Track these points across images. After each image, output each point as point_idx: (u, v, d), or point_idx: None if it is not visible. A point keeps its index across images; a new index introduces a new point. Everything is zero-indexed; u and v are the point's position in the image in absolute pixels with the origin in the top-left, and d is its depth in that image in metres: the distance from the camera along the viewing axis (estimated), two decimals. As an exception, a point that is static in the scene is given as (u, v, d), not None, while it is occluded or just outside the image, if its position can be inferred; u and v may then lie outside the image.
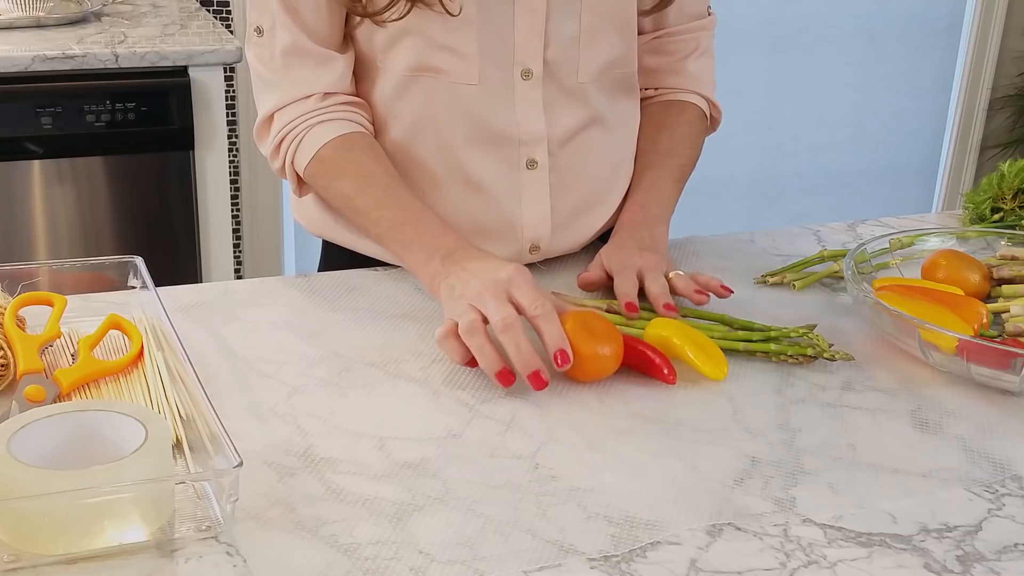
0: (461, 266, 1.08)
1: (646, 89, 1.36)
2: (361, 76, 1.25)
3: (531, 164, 1.23)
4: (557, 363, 1.01)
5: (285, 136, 1.21)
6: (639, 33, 1.33)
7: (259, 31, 1.21)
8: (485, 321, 1.02)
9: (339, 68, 1.21)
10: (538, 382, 1.00)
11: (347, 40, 1.23)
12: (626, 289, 1.16)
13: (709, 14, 1.37)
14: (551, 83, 1.22)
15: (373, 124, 1.25)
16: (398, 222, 1.16)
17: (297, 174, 1.23)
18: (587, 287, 1.22)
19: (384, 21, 1.15)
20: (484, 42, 1.18)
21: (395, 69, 1.21)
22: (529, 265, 1.29)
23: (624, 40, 1.26)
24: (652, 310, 1.15)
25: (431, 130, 1.22)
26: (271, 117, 1.22)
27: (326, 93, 1.21)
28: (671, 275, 1.18)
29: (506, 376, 1.01)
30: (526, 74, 1.20)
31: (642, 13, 1.29)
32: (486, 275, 1.05)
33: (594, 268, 1.22)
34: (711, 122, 1.39)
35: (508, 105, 1.21)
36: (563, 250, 1.30)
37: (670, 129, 1.34)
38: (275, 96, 1.21)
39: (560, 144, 1.25)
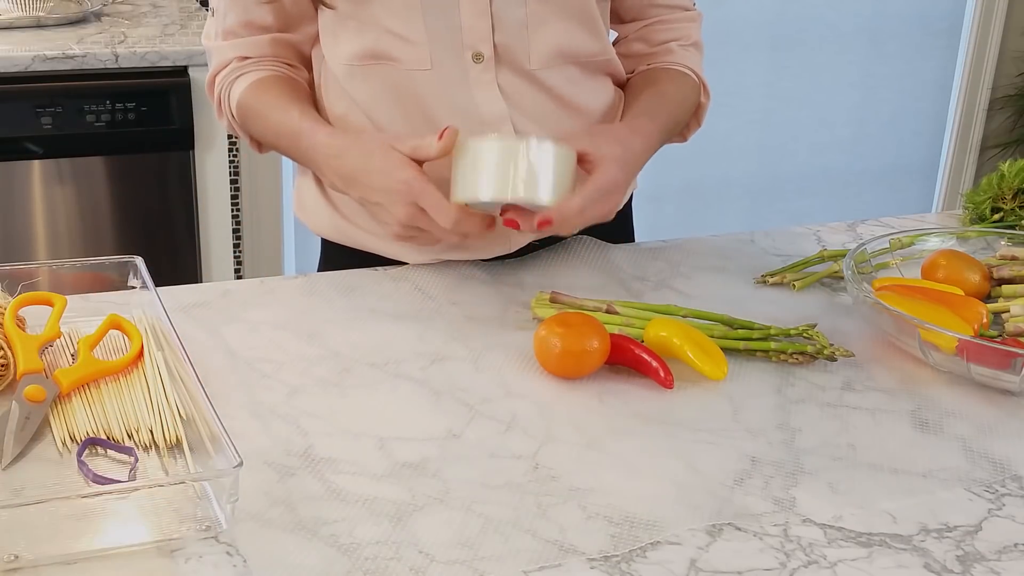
0: (351, 176, 1.16)
1: (637, 68, 1.35)
2: (321, 74, 1.29)
3: None
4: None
5: (219, 96, 1.29)
6: (624, 21, 1.34)
7: (212, 12, 1.29)
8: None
9: (272, 42, 1.27)
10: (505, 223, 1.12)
11: (291, 23, 1.27)
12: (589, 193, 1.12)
13: (695, 9, 1.37)
14: (504, 67, 1.22)
15: (323, 106, 1.30)
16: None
17: (244, 131, 1.30)
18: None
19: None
20: (431, 27, 1.19)
21: (340, 57, 1.23)
22: (528, 256, 1.29)
23: (580, 27, 1.25)
24: (653, 311, 1.16)
25: (395, 118, 1.24)
26: (212, 83, 1.30)
27: (252, 57, 1.27)
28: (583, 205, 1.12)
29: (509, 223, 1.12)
30: (477, 57, 1.21)
31: None
32: (388, 196, 1.13)
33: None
34: (698, 108, 1.36)
35: (464, 89, 1.22)
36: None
37: (673, 84, 1.33)
38: (212, 63, 1.30)
39: (526, 127, 1.25)
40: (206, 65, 2.18)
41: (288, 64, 1.29)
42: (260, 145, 1.30)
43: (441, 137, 1.09)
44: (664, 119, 1.28)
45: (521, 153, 1.08)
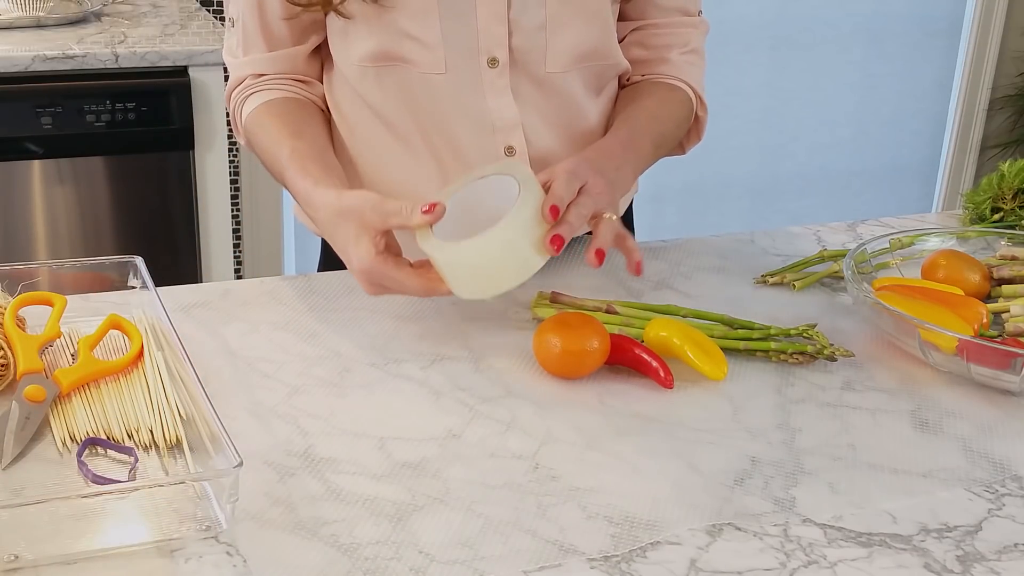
0: (320, 226, 1.14)
1: (632, 76, 1.34)
2: (327, 71, 1.30)
3: (509, 151, 1.24)
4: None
5: (233, 113, 1.30)
6: (622, 19, 1.32)
7: (231, 22, 1.29)
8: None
9: (287, 57, 1.26)
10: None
11: (307, 32, 1.26)
12: (561, 193, 1.04)
13: (699, 16, 1.36)
14: (519, 72, 1.22)
15: (329, 104, 1.30)
16: (305, 154, 1.19)
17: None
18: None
19: (328, 8, 1.20)
20: (447, 31, 1.19)
21: (353, 59, 1.23)
22: None
23: (596, 29, 1.25)
24: (653, 311, 1.16)
25: (406, 120, 1.24)
26: (228, 99, 1.30)
27: (267, 75, 1.27)
28: (604, 215, 1.08)
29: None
30: (492, 62, 1.21)
31: None
32: (348, 262, 1.10)
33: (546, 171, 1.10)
34: (696, 121, 1.35)
35: (478, 94, 1.22)
36: None
37: (657, 99, 1.31)
38: (230, 79, 1.30)
39: (537, 133, 1.25)
40: (206, 65, 2.21)
41: (302, 81, 1.28)
42: None
43: (426, 211, 1.03)
44: (633, 136, 1.24)
45: (501, 240, 1.01)
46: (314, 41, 1.27)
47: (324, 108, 1.30)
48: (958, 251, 1.27)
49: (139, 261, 1.12)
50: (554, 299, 1.18)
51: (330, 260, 1.37)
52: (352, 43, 1.22)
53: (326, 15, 1.23)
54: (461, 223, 1.05)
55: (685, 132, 1.34)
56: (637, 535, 0.85)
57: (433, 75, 1.21)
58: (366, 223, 1.07)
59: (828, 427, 1.00)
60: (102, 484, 0.86)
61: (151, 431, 0.93)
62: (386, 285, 1.08)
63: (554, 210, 1.03)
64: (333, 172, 1.18)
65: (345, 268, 1.29)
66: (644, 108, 1.29)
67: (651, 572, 0.81)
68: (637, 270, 1.10)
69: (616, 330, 1.11)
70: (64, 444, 0.92)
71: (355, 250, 1.08)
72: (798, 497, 0.90)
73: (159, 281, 1.11)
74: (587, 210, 1.06)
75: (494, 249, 1.02)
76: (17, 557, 0.78)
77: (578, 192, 1.06)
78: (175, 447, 0.92)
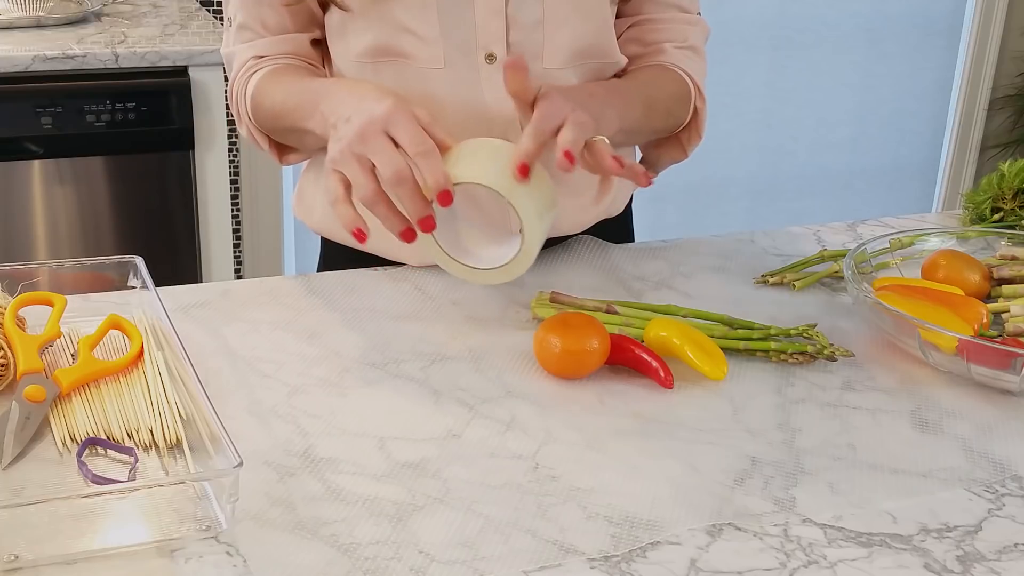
0: (338, 99, 1.08)
1: (628, 69, 1.34)
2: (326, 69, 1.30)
3: None
4: (440, 204, 1.00)
5: (236, 97, 1.28)
6: (619, 16, 1.32)
7: (230, 21, 1.29)
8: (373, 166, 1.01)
9: (290, 40, 1.26)
10: (428, 224, 1.01)
11: (307, 26, 1.27)
12: (527, 145, 1.03)
13: (698, 16, 1.36)
14: None
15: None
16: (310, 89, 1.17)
17: (260, 132, 1.28)
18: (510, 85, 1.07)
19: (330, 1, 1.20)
20: (445, 25, 1.19)
21: (351, 54, 1.23)
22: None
23: (594, 26, 1.25)
24: (653, 311, 1.16)
25: None
26: (232, 91, 1.29)
27: (269, 55, 1.27)
28: (596, 139, 1.06)
29: (409, 234, 1.02)
30: (490, 58, 1.21)
31: None
32: (362, 113, 1.03)
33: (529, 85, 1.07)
34: (695, 115, 1.33)
35: (475, 89, 1.22)
36: (553, 232, 1.30)
37: (648, 72, 1.30)
38: (231, 71, 1.29)
39: None
40: (206, 65, 2.21)
41: (306, 62, 1.28)
42: (280, 151, 1.28)
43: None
44: (619, 87, 1.24)
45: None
46: (315, 34, 1.27)
47: None
48: (958, 251, 1.27)
49: (139, 261, 1.12)
50: (554, 299, 1.18)
51: (330, 260, 1.38)
52: (350, 39, 1.23)
53: (325, 11, 1.23)
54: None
55: (683, 113, 1.31)
56: (637, 535, 0.85)
57: (431, 70, 1.21)
58: (407, 102, 1.04)
59: (828, 427, 1.01)
60: (102, 484, 0.86)
61: (151, 431, 0.93)
62: (394, 133, 1.01)
63: (523, 168, 1.02)
64: None
65: (344, 268, 1.30)
66: (634, 76, 1.29)
67: (651, 572, 0.81)
68: (648, 180, 1.08)
69: (616, 330, 1.11)
70: (64, 444, 0.92)
71: (384, 99, 1.03)
72: (798, 497, 0.90)
73: (159, 281, 1.11)
74: (577, 131, 1.04)
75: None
76: (17, 557, 0.78)
77: (558, 129, 1.04)
78: (175, 447, 0.92)
